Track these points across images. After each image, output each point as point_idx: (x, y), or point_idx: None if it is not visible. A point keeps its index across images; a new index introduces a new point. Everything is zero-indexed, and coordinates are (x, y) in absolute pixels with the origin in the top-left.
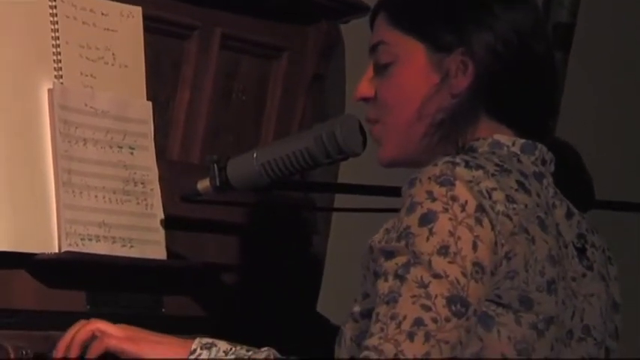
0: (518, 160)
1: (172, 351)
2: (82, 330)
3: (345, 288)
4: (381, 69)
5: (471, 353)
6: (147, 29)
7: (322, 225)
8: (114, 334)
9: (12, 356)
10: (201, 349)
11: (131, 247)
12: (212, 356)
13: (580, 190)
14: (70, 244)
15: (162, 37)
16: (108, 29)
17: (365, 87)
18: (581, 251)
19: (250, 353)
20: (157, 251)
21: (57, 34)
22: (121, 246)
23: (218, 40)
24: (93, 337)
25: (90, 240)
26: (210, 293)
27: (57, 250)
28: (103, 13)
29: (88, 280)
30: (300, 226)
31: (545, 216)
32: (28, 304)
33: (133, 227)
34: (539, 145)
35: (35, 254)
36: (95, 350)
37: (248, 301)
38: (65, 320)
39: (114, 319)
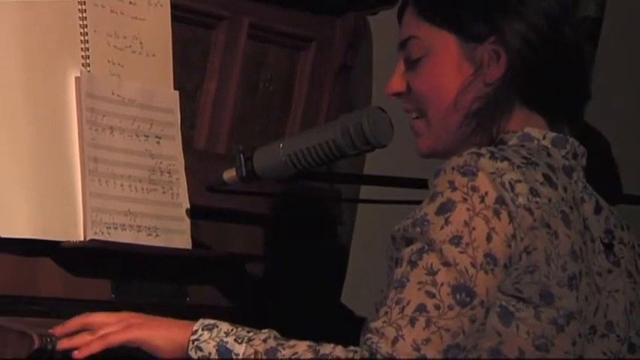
0: (548, 154)
1: (173, 333)
2: (80, 336)
3: (369, 280)
4: (412, 63)
5: (489, 347)
6: (175, 18)
7: (347, 216)
8: (114, 328)
9: (36, 344)
10: (203, 329)
11: (156, 236)
12: (213, 336)
13: (607, 177)
14: (95, 233)
15: (190, 27)
16: (136, 18)
17: (397, 82)
18: (609, 247)
19: (251, 334)
20: (182, 241)
21: (85, 22)
22: (146, 235)
23: (246, 30)
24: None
25: (115, 228)
26: (235, 283)
27: (82, 239)
28: (131, 2)
29: (113, 269)
30: (326, 217)
31: (571, 211)
32: (53, 291)
33: (159, 216)
34: (571, 139)
35: (61, 242)
36: (94, 349)
37: (272, 292)
38: (90, 308)
39: (138, 308)
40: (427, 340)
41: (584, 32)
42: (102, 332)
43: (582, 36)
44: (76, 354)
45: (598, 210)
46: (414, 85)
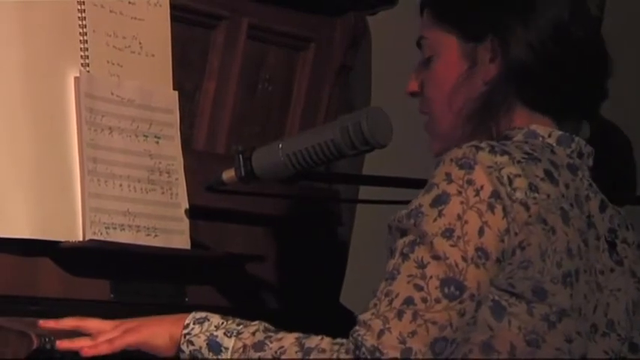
0: (552, 152)
1: (168, 329)
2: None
3: (368, 280)
4: (425, 63)
5: (480, 341)
6: (174, 18)
7: (346, 216)
8: (111, 335)
9: (35, 344)
10: (194, 323)
11: (155, 236)
12: (204, 330)
13: (622, 174)
14: (94, 233)
15: (189, 27)
16: (135, 18)
17: (413, 82)
18: (612, 246)
19: (240, 327)
20: (181, 241)
21: (84, 22)
22: (145, 235)
23: (245, 30)
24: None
25: (114, 229)
26: (234, 283)
27: (81, 239)
28: (130, 2)
29: (111, 269)
30: (325, 217)
31: (571, 208)
32: (52, 291)
33: (158, 216)
34: (577, 139)
35: (60, 242)
36: (101, 350)
37: (271, 292)
38: (89, 308)
39: (137, 309)
40: (413, 333)
41: (593, 31)
42: (102, 338)
43: (594, 37)
44: (84, 352)
45: (603, 208)
46: (423, 86)
